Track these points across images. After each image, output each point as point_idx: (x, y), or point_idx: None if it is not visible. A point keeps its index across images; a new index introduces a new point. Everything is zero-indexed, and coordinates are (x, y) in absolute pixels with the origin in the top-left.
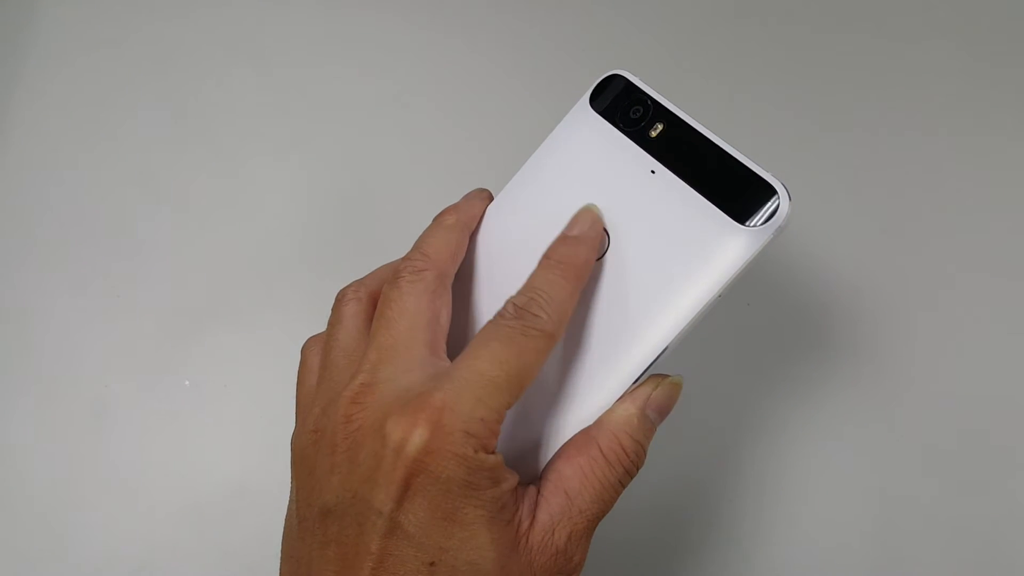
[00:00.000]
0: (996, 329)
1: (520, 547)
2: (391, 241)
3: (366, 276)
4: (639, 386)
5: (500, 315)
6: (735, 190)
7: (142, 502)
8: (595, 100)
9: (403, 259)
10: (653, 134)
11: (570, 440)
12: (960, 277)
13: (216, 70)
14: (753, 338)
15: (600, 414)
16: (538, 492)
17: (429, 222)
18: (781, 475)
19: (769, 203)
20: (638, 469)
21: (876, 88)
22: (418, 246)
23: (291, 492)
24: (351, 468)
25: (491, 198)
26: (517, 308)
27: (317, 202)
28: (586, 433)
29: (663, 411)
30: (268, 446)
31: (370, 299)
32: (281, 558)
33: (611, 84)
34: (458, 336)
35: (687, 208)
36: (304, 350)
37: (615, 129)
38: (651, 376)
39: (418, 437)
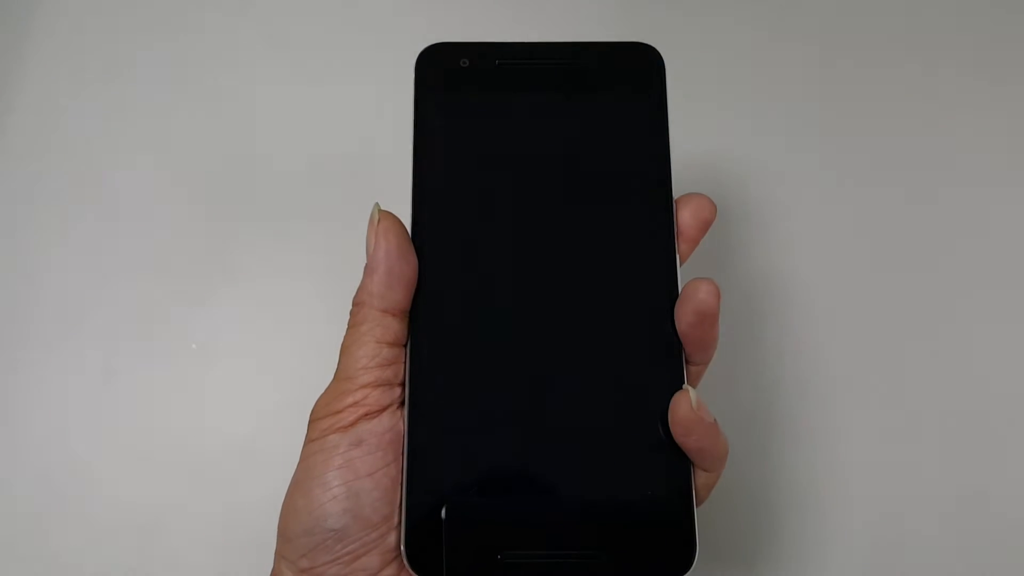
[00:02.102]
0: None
1: None
2: (395, 201)
3: None
4: None
5: None
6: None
7: (149, 464)
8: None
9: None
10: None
11: None
12: (967, 272)
13: (218, 28)
14: (752, 331)
15: None
16: None
17: None
18: (782, 463)
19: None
20: None
21: None
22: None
23: None
24: None
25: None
26: None
27: (324, 161)
28: None
29: None
30: (275, 407)
31: None
32: None
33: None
34: None
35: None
36: None
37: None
38: None
39: None
